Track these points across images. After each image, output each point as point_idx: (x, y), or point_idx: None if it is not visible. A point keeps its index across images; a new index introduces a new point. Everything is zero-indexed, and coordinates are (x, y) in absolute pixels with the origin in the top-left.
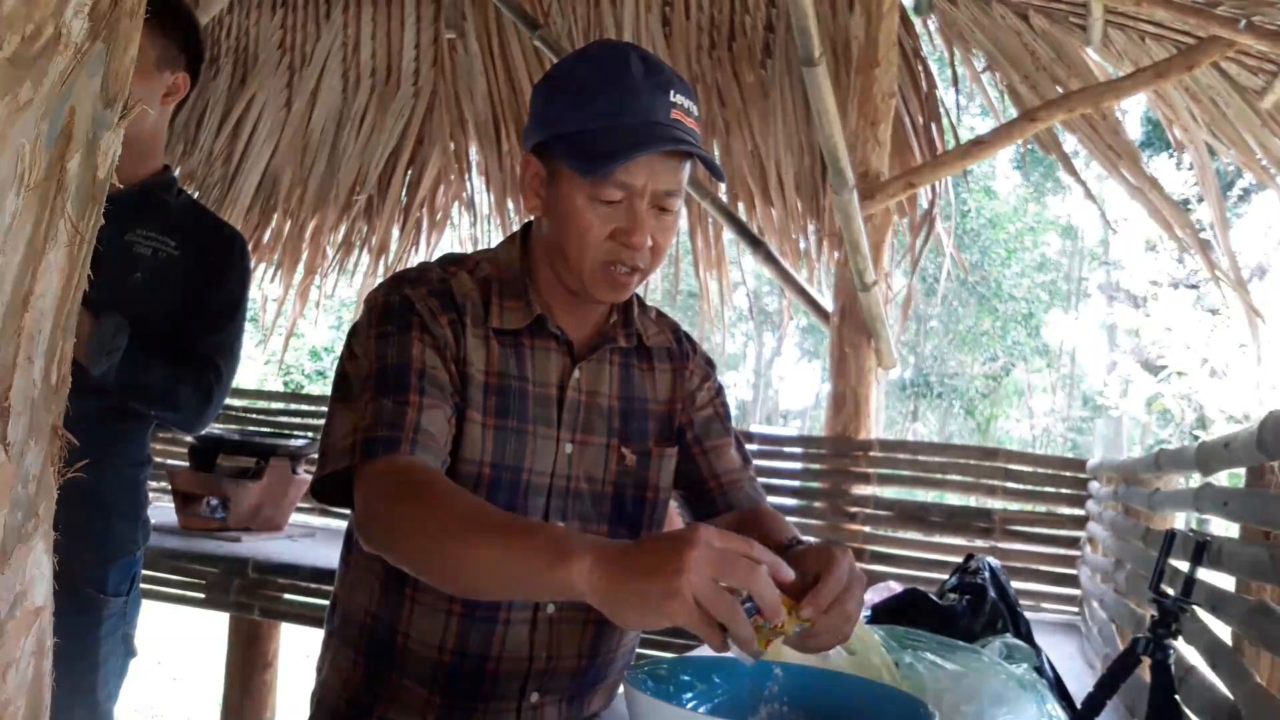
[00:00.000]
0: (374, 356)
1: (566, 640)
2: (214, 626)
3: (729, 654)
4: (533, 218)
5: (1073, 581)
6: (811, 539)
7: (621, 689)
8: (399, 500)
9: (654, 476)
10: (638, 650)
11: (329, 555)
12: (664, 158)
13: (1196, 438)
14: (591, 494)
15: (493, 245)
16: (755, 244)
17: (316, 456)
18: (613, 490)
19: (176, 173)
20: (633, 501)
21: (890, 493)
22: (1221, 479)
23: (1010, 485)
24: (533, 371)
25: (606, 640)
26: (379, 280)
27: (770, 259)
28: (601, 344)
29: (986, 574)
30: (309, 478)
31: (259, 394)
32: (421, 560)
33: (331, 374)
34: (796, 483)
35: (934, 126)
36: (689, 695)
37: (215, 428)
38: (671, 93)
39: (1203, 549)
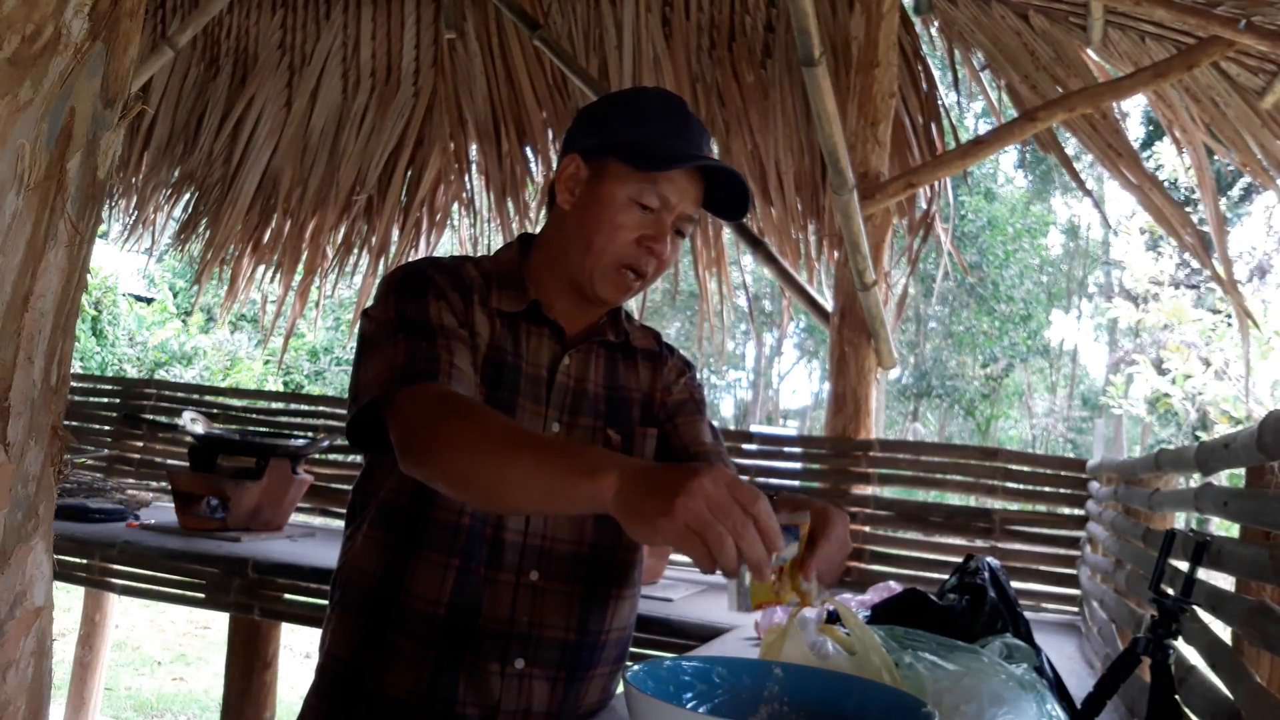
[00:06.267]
0: (395, 313)
1: (550, 609)
2: (215, 627)
3: (727, 591)
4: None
5: (1073, 581)
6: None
7: (621, 688)
8: (443, 418)
9: (638, 455)
10: (638, 650)
11: (329, 555)
12: (695, 187)
13: (1198, 438)
14: None
15: (491, 246)
16: (755, 244)
17: (319, 448)
18: None
19: (176, 173)
20: None
21: (890, 493)
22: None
23: (1010, 485)
24: (526, 351)
25: (595, 617)
26: (379, 281)
27: (770, 259)
28: (591, 337)
29: (986, 574)
30: (309, 478)
31: (259, 394)
32: (461, 473)
33: (331, 375)
34: (796, 483)
35: (934, 126)
36: (689, 695)
37: (215, 427)
38: (710, 141)
39: (1203, 549)
